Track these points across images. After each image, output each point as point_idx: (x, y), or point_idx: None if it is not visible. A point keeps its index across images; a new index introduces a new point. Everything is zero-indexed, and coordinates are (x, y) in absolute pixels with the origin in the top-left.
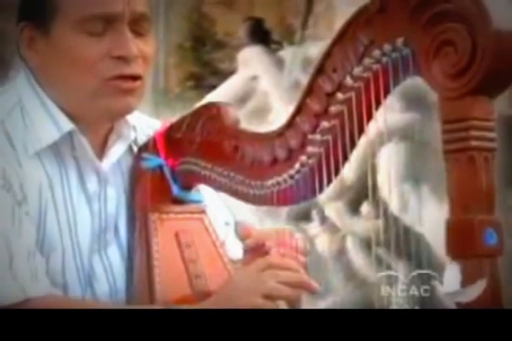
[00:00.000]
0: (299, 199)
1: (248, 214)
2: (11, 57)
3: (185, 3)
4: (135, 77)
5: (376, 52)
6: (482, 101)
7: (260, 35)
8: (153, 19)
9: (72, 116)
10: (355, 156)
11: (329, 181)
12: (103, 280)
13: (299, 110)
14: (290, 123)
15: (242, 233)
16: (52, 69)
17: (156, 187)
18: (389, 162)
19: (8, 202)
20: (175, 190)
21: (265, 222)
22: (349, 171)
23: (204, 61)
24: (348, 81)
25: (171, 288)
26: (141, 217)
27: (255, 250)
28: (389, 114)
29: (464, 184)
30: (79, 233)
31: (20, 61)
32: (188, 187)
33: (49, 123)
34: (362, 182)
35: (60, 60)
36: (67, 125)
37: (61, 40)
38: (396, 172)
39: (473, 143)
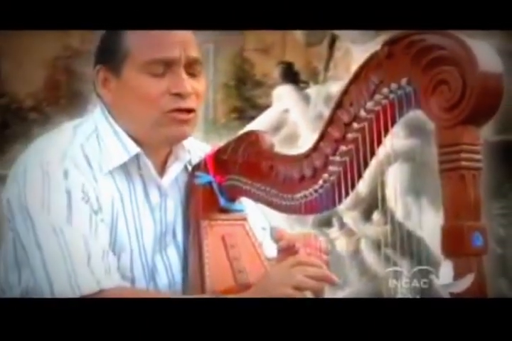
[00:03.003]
0: (322, 209)
1: (281, 221)
2: (89, 94)
3: (229, 50)
4: (189, 110)
5: (385, 90)
6: (470, 130)
7: (291, 76)
8: (204, 63)
9: (138, 142)
10: (368, 174)
11: (347, 194)
12: (163, 275)
13: (322, 137)
14: (315, 147)
15: (276, 236)
16: (122, 104)
17: (206, 199)
18: (395, 179)
19: (87, 211)
20: (222, 201)
21: (295, 227)
22: (363, 186)
23: (245, 97)
24: (362, 113)
25: (218, 281)
26: (194, 224)
27: (287, 250)
28: (395, 140)
29: (455, 197)
30: (144, 237)
31: (96, 97)
32: (232, 199)
33: (120, 147)
34: (373, 195)
35: (129, 97)
36: (134, 149)
37: (129, 80)
38: (401, 187)
39: (464, 163)
